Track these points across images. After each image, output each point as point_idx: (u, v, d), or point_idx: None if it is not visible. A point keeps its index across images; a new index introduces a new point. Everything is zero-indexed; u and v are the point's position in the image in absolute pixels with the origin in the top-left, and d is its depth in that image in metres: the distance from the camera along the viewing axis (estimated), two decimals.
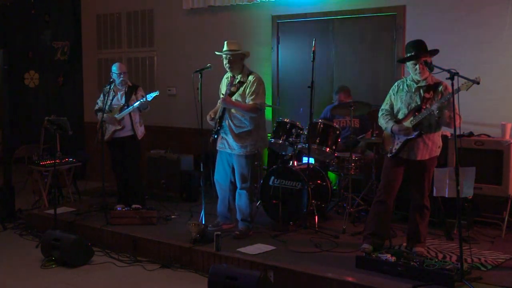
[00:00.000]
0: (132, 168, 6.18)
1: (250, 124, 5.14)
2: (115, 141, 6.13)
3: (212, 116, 5.29)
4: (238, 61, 5.16)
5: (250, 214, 5.34)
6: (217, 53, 5.23)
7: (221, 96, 5.27)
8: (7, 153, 6.76)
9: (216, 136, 5.31)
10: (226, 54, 5.11)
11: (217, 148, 5.34)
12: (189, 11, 7.66)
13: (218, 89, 5.43)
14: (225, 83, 5.29)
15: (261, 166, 6.58)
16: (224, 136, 5.22)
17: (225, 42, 5.18)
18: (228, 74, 5.28)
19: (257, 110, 5.12)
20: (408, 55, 4.43)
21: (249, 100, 5.07)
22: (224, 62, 5.16)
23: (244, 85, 5.10)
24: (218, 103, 5.39)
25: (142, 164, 6.93)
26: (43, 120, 6.57)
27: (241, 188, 5.24)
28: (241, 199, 5.27)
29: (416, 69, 4.42)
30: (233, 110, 5.11)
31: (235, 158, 5.21)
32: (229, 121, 5.15)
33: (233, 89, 5.13)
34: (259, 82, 5.13)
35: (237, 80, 5.15)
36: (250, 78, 5.12)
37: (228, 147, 5.21)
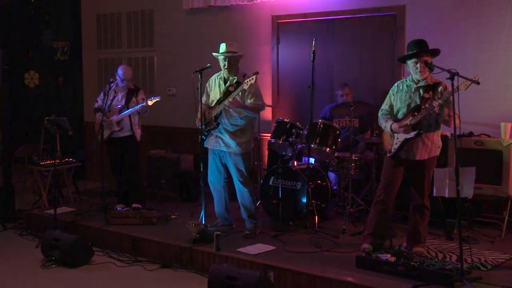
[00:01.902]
0: (132, 167, 6.18)
1: (245, 123, 5.19)
2: (114, 141, 6.13)
3: (203, 120, 5.29)
4: (236, 63, 5.21)
5: (256, 211, 5.35)
6: (214, 54, 5.23)
7: (209, 96, 5.31)
8: (7, 153, 6.76)
9: (204, 137, 5.31)
10: (227, 55, 5.12)
11: (210, 146, 5.34)
12: (189, 11, 7.66)
13: None
14: (216, 83, 5.30)
15: (261, 166, 6.59)
16: (219, 135, 5.23)
17: (224, 44, 5.18)
18: (222, 75, 5.28)
19: (258, 111, 5.22)
20: (410, 53, 4.44)
21: (250, 101, 5.10)
22: (223, 64, 5.16)
23: (242, 86, 5.11)
24: (202, 102, 5.36)
25: (142, 164, 6.94)
26: (43, 120, 6.56)
27: (243, 185, 5.24)
28: (244, 197, 5.28)
29: (417, 68, 4.42)
30: (230, 109, 5.12)
31: (231, 157, 5.22)
32: (225, 119, 5.17)
33: (230, 88, 5.15)
34: (257, 84, 5.20)
35: (235, 81, 5.17)
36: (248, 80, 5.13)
37: (224, 144, 5.21)
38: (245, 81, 4.92)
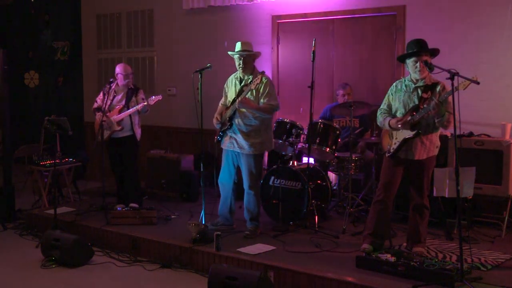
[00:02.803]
0: (130, 166, 6.17)
1: (260, 124, 5.16)
2: (114, 141, 6.12)
3: (219, 118, 5.30)
4: (251, 62, 5.19)
5: (259, 214, 5.35)
6: (230, 53, 5.23)
7: (227, 97, 5.31)
8: (7, 153, 6.76)
9: (220, 139, 5.33)
10: (240, 54, 5.11)
11: (225, 147, 5.34)
12: (189, 11, 7.66)
13: (218, 89, 5.43)
14: (233, 83, 5.29)
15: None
16: (233, 135, 5.22)
17: (239, 43, 5.18)
18: (238, 74, 5.27)
19: (272, 111, 5.19)
20: (410, 52, 4.44)
21: (263, 101, 5.08)
22: (238, 63, 5.15)
23: (257, 86, 5.09)
24: (220, 104, 5.40)
25: (142, 164, 6.93)
26: (43, 120, 6.56)
27: (250, 188, 5.24)
28: (250, 199, 5.27)
29: (416, 67, 4.42)
30: (243, 109, 5.11)
31: (243, 158, 5.21)
32: (239, 120, 5.15)
33: (244, 88, 5.13)
34: (272, 84, 5.20)
35: (249, 81, 5.15)
36: (263, 79, 5.11)
37: (237, 146, 5.20)
38: (252, 81, 4.90)
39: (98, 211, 6.09)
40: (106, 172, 6.19)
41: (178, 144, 7.75)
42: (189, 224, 5.12)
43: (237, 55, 5.14)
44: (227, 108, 5.27)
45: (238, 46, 5.18)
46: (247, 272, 4.15)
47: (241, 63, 5.13)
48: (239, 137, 5.17)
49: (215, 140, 5.41)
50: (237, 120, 5.16)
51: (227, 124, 5.20)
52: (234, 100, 5.16)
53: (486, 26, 5.73)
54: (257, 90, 5.09)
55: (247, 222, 5.33)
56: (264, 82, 5.10)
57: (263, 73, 5.10)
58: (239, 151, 5.21)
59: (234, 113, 5.15)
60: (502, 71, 5.66)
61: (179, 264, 4.96)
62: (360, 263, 4.35)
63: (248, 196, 5.28)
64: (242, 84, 5.20)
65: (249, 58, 5.16)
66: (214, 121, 5.36)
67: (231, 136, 5.24)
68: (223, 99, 5.44)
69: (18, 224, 6.32)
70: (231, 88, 5.31)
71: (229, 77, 5.42)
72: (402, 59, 4.60)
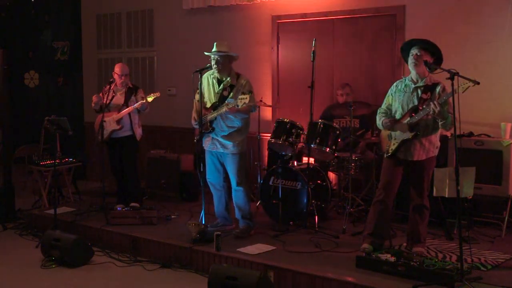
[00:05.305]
0: (130, 166, 6.17)
1: (241, 124, 5.19)
2: (114, 141, 6.13)
3: (196, 118, 5.28)
4: (227, 63, 5.15)
5: (250, 211, 5.34)
6: (206, 53, 5.23)
7: (204, 95, 5.27)
8: (7, 153, 6.75)
9: (200, 139, 5.30)
10: (214, 55, 5.10)
11: (207, 148, 5.33)
12: (189, 11, 7.66)
13: None
14: (210, 83, 5.26)
15: (261, 166, 6.59)
16: (215, 137, 5.22)
17: (215, 43, 5.18)
18: (215, 74, 5.26)
19: (250, 112, 5.21)
20: (405, 41, 4.48)
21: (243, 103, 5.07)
22: (213, 63, 5.15)
23: (235, 88, 5.11)
24: (196, 100, 5.34)
25: (142, 164, 6.94)
26: (43, 120, 6.56)
27: (238, 185, 5.24)
28: (239, 196, 5.27)
29: (411, 60, 4.42)
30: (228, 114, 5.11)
31: (228, 157, 5.22)
32: (222, 122, 5.16)
33: (224, 93, 5.14)
34: (250, 84, 5.20)
35: (228, 84, 5.15)
36: (242, 81, 5.14)
37: (221, 146, 5.21)
38: (240, 98, 4.86)
39: (98, 211, 6.09)
40: (106, 172, 6.19)
41: (178, 144, 7.75)
42: (189, 224, 5.12)
43: (212, 56, 5.13)
44: (206, 109, 5.25)
45: (214, 46, 5.17)
46: (247, 272, 4.15)
47: (214, 63, 5.11)
48: (222, 138, 5.18)
49: (195, 140, 5.39)
50: (219, 123, 5.17)
51: (209, 128, 5.20)
52: (214, 105, 5.16)
53: (486, 26, 5.73)
54: (236, 93, 5.09)
55: (239, 221, 5.32)
56: (243, 84, 5.13)
57: (240, 75, 5.13)
58: (222, 151, 5.21)
59: (215, 117, 5.15)
60: (502, 71, 5.66)
61: (179, 264, 4.96)
62: (360, 263, 4.35)
63: (237, 193, 5.27)
64: (221, 87, 5.18)
65: (224, 60, 5.12)
66: (192, 121, 5.32)
67: (213, 138, 5.24)
68: (198, 96, 5.35)
69: (18, 224, 6.32)
70: (208, 88, 5.28)
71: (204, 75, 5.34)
72: (404, 56, 4.61)
